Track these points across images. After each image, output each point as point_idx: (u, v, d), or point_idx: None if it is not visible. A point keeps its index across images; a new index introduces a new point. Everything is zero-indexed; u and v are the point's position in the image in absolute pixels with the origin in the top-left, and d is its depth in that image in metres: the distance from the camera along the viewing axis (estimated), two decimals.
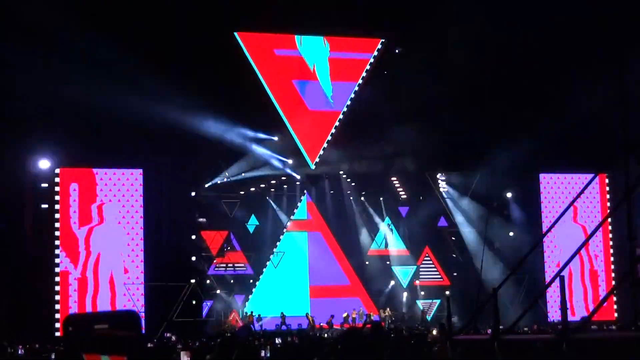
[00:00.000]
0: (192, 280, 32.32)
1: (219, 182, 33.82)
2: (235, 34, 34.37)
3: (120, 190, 31.31)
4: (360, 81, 35.55)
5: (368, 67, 35.58)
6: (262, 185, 35.46)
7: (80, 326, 6.08)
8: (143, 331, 7.13)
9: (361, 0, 33.15)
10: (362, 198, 36.85)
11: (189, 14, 31.04)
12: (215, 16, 31.96)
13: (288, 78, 35.18)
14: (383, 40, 35.64)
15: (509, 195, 35.88)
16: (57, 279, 30.27)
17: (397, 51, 35.36)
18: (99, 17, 29.35)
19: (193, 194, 33.54)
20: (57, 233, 30.45)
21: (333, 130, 35.30)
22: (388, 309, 34.93)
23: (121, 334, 6.15)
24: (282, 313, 34.17)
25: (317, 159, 35.22)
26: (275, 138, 34.64)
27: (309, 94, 35.35)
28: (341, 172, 35.99)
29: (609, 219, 33.45)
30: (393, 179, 36.81)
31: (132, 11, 30.18)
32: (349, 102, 35.47)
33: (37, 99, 28.52)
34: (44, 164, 30.31)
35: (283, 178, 35.64)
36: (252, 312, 34.12)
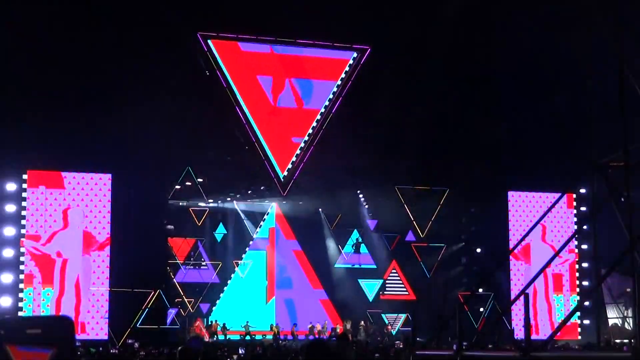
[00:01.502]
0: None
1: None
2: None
3: (89, 195, 31.09)
4: (334, 87, 35.37)
5: (343, 75, 35.44)
6: (232, 194, 35.46)
7: (12, 330, 6.02)
8: (76, 337, 7.05)
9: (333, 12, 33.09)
10: (329, 210, 36.82)
11: (155, 18, 30.93)
12: (179, 19, 31.78)
13: (253, 74, 34.88)
14: (354, 55, 35.56)
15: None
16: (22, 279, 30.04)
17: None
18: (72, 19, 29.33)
19: (161, 201, 33.37)
20: (23, 235, 30.18)
21: (306, 138, 35.09)
22: (350, 321, 34.88)
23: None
24: (247, 322, 34.10)
25: (286, 169, 35.06)
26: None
27: (276, 90, 35.12)
28: (310, 184, 35.91)
29: (575, 238, 33.71)
30: (360, 192, 36.83)
31: (105, 15, 30.10)
32: (327, 103, 35.24)
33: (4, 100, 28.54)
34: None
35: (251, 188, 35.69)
36: (216, 321, 34.01)
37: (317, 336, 33.96)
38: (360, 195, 36.90)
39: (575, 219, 35.89)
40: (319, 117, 35.07)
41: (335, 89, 35.20)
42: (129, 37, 30.45)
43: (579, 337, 34.18)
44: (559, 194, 29.71)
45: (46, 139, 29.71)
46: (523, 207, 35.88)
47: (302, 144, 35.01)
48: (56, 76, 29.47)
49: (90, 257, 30.85)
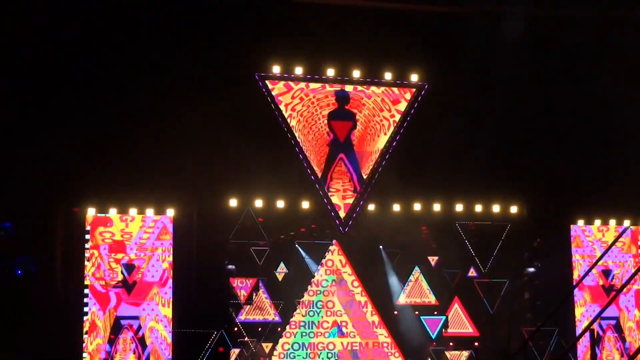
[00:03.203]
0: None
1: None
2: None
3: (150, 239, 31.37)
4: (392, 125, 35.34)
5: (401, 112, 35.38)
6: (292, 233, 35.47)
7: None
8: None
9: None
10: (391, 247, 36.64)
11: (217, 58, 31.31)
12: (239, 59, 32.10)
13: (312, 114, 34.97)
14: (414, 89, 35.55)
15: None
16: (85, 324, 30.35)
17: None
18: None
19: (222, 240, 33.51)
20: (86, 276, 30.51)
21: (364, 176, 35.08)
22: None
23: None
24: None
25: (347, 208, 35.05)
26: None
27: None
28: (370, 222, 35.85)
29: None
30: (423, 227, 36.63)
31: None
32: (386, 140, 35.16)
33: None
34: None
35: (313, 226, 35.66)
36: None
37: None
38: (424, 230, 36.69)
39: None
40: (376, 155, 35.04)
41: (393, 127, 35.14)
42: (192, 77, 30.90)
43: None
44: (623, 227, 29.36)
45: (105, 181, 30.16)
46: (587, 239, 35.39)
47: (360, 182, 35.00)
48: (111, 116, 30.02)
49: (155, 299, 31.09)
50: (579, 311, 34.35)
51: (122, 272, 30.89)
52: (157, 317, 30.99)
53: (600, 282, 34.37)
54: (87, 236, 30.71)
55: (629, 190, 32.74)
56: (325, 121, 34.86)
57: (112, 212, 31.22)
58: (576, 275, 34.46)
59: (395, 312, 36.69)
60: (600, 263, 33.53)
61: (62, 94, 29.42)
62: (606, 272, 34.56)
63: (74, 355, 29.65)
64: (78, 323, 30.13)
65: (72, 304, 30.13)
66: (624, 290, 32.62)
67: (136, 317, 30.97)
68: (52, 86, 29.26)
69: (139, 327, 30.91)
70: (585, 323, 32.21)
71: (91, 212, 30.91)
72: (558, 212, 34.39)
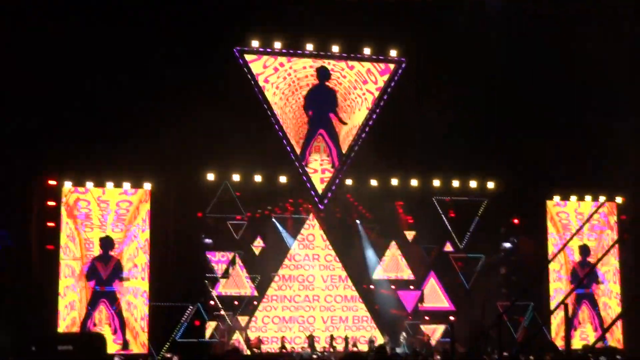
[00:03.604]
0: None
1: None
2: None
3: (129, 211, 31.29)
4: (370, 100, 35.31)
5: (379, 87, 35.34)
6: (269, 207, 35.52)
7: (43, 346, 6.09)
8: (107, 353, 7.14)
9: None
10: (368, 222, 36.77)
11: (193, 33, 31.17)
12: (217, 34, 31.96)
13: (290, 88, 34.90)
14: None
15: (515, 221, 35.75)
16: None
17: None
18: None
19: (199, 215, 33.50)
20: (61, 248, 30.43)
21: (343, 151, 35.06)
22: (388, 334, 34.81)
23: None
24: (282, 337, 34.26)
25: (324, 182, 35.12)
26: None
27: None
28: (348, 196, 35.95)
29: (617, 246, 33.43)
30: (399, 203, 36.76)
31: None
32: (363, 116, 35.15)
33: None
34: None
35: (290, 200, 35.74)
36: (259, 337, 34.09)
37: (353, 348, 34.01)
38: (400, 206, 36.82)
39: (615, 227, 35.60)
40: (356, 130, 35.05)
41: (371, 102, 35.14)
42: (168, 52, 30.76)
43: (623, 346, 33.90)
44: (599, 203, 29.61)
45: (83, 153, 30.04)
46: (563, 216, 35.62)
47: (340, 157, 35.05)
48: (92, 91, 29.88)
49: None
50: (553, 287, 34.62)
51: (99, 246, 30.83)
52: (134, 291, 31.00)
53: (577, 258, 34.59)
54: (63, 209, 30.60)
55: (605, 167, 32.99)
56: (304, 97, 34.88)
57: (89, 186, 31.13)
58: (551, 250, 34.69)
59: (372, 287, 36.87)
60: (576, 239, 33.76)
61: (39, 69, 29.19)
62: (583, 248, 34.77)
63: (51, 326, 29.60)
64: (53, 295, 30.07)
65: (47, 277, 30.06)
66: (599, 265, 32.88)
67: (113, 291, 30.95)
68: (29, 61, 29.03)
69: (115, 300, 30.89)
70: (560, 298, 32.42)
71: (67, 185, 30.80)
72: (535, 188, 34.59)
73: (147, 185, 31.75)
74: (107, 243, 30.90)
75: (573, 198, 35.43)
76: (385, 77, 35.16)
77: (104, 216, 31.04)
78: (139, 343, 30.95)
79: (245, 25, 32.94)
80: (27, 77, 28.54)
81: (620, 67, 31.19)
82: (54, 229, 30.31)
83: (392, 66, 35.28)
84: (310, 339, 34.12)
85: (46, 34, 29.26)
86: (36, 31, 29.27)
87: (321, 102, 35.06)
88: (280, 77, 34.56)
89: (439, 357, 29.38)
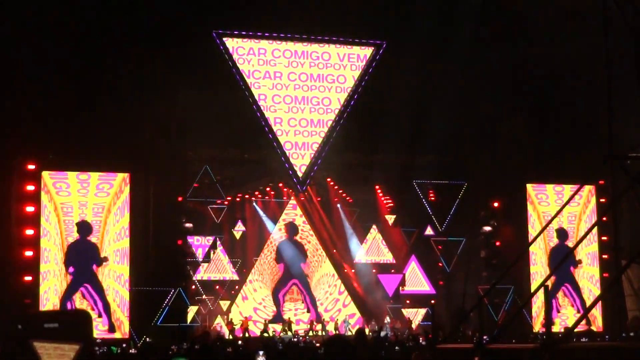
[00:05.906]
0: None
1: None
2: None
3: (109, 195, 31.13)
4: (351, 83, 35.16)
5: (360, 70, 35.26)
6: (249, 192, 35.55)
7: (30, 324, 6.05)
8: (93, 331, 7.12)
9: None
10: (349, 206, 36.84)
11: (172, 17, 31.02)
12: (195, 18, 31.82)
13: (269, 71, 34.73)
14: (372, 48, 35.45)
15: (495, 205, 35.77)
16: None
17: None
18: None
19: (180, 199, 33.40)
20: (42, 233, 30.26)
21: (323, 133, 34.97)
22: (373, 320, 34.97)
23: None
24: (265, 320, 34.34)
25: (304, 166, 35.06)
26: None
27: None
28: (328, 180, 36.00)
29: (595, 230, 33.58)
30: (378, 187, 36.83)
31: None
32: (344, 99, 35.01)
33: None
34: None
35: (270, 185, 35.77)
36: (246, 318, 34.11)
37: (336, 331, 34.12)
38: (379, 191, 36.86)
39: (594, 211, 35.75)
40: (336, 112, 34.94)
41: (351, 85, 35.04)
42: (146, 36, 30.60)
43: (602, 329, 34.08)
44: (578, 186, 29.66)
45: (63, 139, 29.87)
46: (543, 199, 35.70)
47: (320, 140, 34.89)
48: (71, 76, 29.70)
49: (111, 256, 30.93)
50: (533, 269, 34.74)
51: (77, 231, 30.63)
52: (115, 275, 30.87)
53: (556, 241, 34.69)
54: (43, 194, 30.40)
55: (583, 151, 33.05)
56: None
57: (69, 170, 30.90)
58: (531, 233, 34.79)
59: (353, 271, 36.97)
60: (555, 222, 33.86)
61: (18, 54, 29.02)
62: (561, 232, 34.88)
63: (33, 310, 29.45)
64: (34, 280, 29.92)
65: (28, 261, 29.91)
66: (578, 248, 33.02)
67: (94, 275, 30.79)
68: (7, 46, 28.83)
69: (97, 284, 30.74)
70: (539, 280, 32.56)
71: (47, 170, 30.58)
72: (514, 171, 34.61)
73: (127, 170, 31.54)
74: (84, 228, 30.69)
75: (552, 182, 35.52)
76: (365, 61, 35.07)
77: (84, 201, 30.84)
78: (120, 327, 30.87)
79: (225, 8, 32.79)
80: (6, 62, 28.35)
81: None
82: (34, 214, 30.09)
83: (370, 49, 35.20)
84: (288, 324, 34.27)
85: (25, 16, 29.02)
86: (15, 14, 29.01)
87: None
88: (259, 60, 34.45)
89: (421, 339, 29.49)
